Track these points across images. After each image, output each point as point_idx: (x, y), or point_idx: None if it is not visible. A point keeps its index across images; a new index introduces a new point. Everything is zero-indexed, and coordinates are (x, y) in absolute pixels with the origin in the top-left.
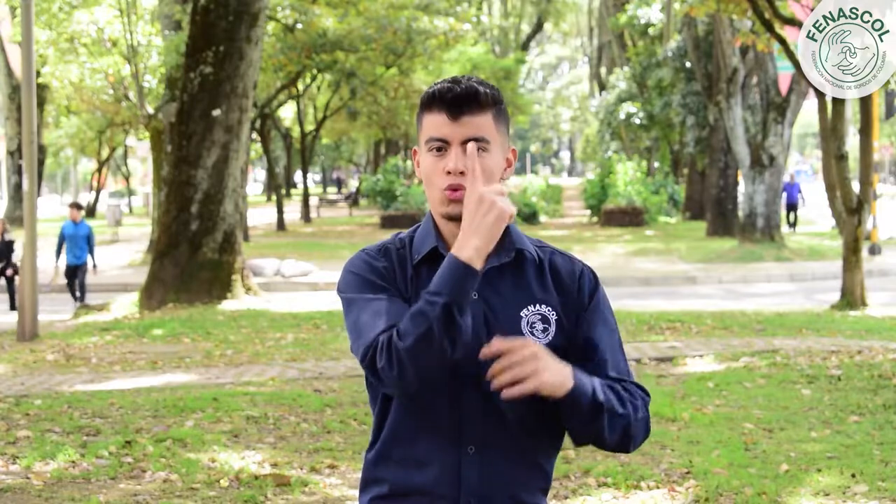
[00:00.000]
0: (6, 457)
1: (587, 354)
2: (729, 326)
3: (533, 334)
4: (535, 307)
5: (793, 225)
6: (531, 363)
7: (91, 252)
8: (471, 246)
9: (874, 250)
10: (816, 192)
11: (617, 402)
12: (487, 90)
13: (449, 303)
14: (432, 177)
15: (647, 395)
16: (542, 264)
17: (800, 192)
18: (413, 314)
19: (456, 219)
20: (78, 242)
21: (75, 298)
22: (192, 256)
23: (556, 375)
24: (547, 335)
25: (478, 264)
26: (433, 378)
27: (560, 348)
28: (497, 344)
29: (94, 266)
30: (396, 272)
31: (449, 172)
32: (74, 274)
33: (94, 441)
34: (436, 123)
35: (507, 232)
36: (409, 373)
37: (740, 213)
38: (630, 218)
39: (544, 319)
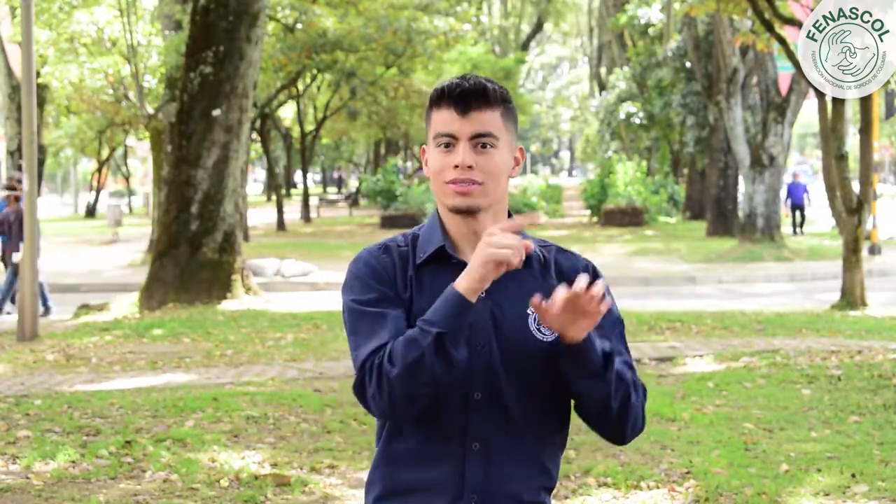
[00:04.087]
0: (6, 457)
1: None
2: (729, 326)
3: (539, 331)
4: None
5: (799, 226)
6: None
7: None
8: (465, 281)
9: (874, 250)
10: (816, 192)
11: (625, 368)
12: (496, 87)
13: (442, 333)
14: (440, 171)
15: (646, 390)
16: (546, 263)
17: (806, 192)
18: (406, 341)
19: (462, 212)
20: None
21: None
22: (192, 256)
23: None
24: (553, 332)
25: (472, 298)
26: (421, 402)
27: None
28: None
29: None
30: (397, 271)
31: (456, 166)
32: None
33: (94, 441)
34: (444, 119)
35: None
36: (398, 399)
37: (740, 213)
38: (630, 218)
39: None
